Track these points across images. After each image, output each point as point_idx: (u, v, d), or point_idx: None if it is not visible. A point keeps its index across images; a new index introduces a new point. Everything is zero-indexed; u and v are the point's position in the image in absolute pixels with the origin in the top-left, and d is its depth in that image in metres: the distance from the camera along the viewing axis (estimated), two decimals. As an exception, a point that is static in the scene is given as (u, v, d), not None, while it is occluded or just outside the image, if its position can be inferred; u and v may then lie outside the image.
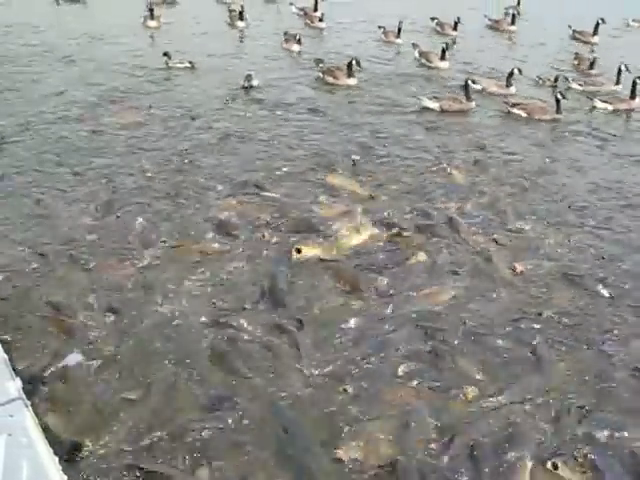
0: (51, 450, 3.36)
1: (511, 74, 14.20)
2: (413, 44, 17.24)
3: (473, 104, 13.21)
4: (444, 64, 16.12)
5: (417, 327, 6.33)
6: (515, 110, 13.04)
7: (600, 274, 7.50)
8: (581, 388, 5.69)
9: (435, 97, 13.41)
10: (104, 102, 12.25)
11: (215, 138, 10.90)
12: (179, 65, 14.87)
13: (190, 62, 14.98)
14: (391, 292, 6.93)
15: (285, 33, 17.52)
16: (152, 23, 18.66)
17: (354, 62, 14.15)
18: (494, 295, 7.00)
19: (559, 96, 12.84)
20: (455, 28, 19.51)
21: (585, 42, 19.48)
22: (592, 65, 16.27)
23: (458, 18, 19.24)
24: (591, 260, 7.83)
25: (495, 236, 8.18)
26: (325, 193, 9.08)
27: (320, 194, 9.03)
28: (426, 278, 7.20)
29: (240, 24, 19.10)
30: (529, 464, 4.81)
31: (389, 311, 6.59)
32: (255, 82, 13.73)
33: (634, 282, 7.38)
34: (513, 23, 20.29)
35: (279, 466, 4.69)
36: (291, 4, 21.57)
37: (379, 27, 18.83)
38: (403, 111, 12.96)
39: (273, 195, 8.89)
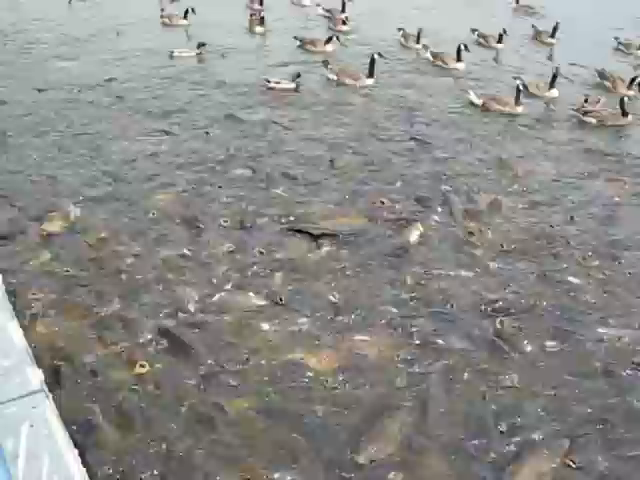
0: (71, 442, 3.40)
1: (555, 77, 14.10)
2: (424, 45, 17.23)
3: (520, 109, 13.14)
4: (460, 65, 16.06)
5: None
6: (587, 118, 12.77)
7: None
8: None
9: (482, 94, 13.50)
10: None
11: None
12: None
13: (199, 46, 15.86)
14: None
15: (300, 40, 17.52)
16: (184, 22, 18.83)
17: (376, 56, 14.08)
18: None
19: (626, 99, 12.67)
20: (500, 40, 18.43)
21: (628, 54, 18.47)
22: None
23: (504, 30, 18.25)
24: None
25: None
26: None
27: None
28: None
29: (259, 29, 18.93)
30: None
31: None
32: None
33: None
34: (553, 36, 18.85)
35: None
36: (318, 5, 21.55)
37: (398, 29, 18.74)
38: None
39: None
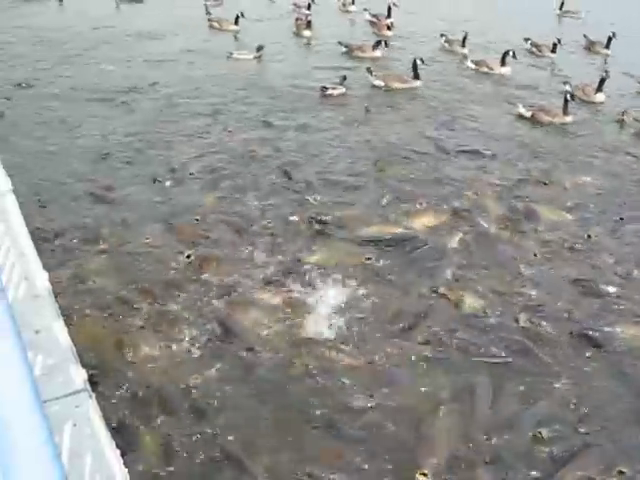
0: (113, 442, 3.41)
1: (603, 81, 14.16)
2: (464, 54, 17.12)
3: (569, 118, 12.96)
4: (506, 70, 15.91)
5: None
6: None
7: None
8: None
9: (530, 106, 13.51)
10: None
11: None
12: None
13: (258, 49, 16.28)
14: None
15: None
16: (234, 27, 19.21)
17: (418, 61, 14.06)
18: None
19: None
20: (554, 50, 18.18)
21: None
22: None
23: (559, 40, 17.98)
24: None
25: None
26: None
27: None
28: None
29: (307, 33, 18.92)
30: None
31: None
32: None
33: None
34: (608, 46, 18.48)
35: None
36: (365, 10, 21.52)
37: (441, 35, 18.61)
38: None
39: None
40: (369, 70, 14.95)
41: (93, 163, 10.48)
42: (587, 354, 6.66)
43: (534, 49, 18.51)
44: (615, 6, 23.94)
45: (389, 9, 20.55)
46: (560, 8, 24.06)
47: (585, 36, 19.23)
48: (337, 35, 18.72)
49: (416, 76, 14.40)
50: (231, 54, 16.69)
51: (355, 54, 17.29)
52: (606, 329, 6.99)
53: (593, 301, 7.52)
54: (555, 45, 18.16)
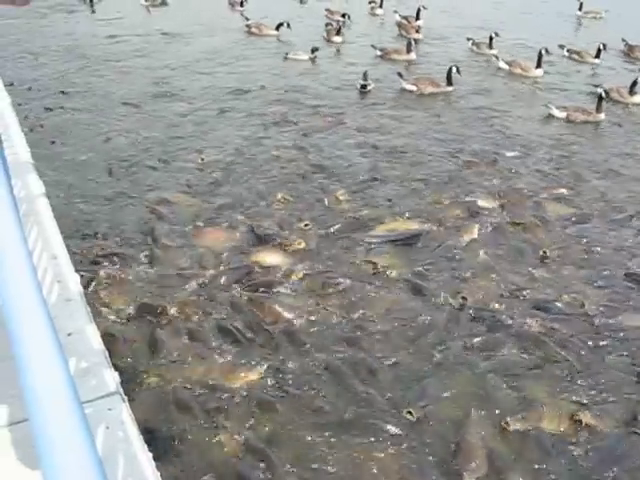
0: (145, 445, 3.39)
1: (635, 83, 14.18)
2: (495, 56, 17.03)
3: (602, 116, 12.82)
4: (539, 72, 15.83)
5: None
6: None
7: None
8: None
9: (563, 107, 13.45)
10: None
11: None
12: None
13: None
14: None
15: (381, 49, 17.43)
16: (274, 32, 19.53)
17: (454, 69, 14.05)
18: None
19: None
20: (598, 55, 17.72)
21: None
22: None
23: (604, 45, 17.58)
24: None
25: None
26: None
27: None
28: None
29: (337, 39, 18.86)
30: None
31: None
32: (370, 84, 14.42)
33: None
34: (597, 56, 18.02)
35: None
36: (395, 12, 21.55)
37: (467, 39, 18.54)
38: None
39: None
40: (400, 74, 14.82)
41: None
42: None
43: (574, 56, 17.98)
44: (632, 4, 23.91)
45: (418, 11, 20.60)
46: (580, 9, 23.93)
47: (624, 40, 18.71)
48: (367, 39, 18.73)
49: (449, 82, 14.29)
50: (287, 54, 16.82)
51: (391, 57, 17.25)
52: None
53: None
54: (599, 50, 17.61)
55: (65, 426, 1.38)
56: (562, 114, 13.28)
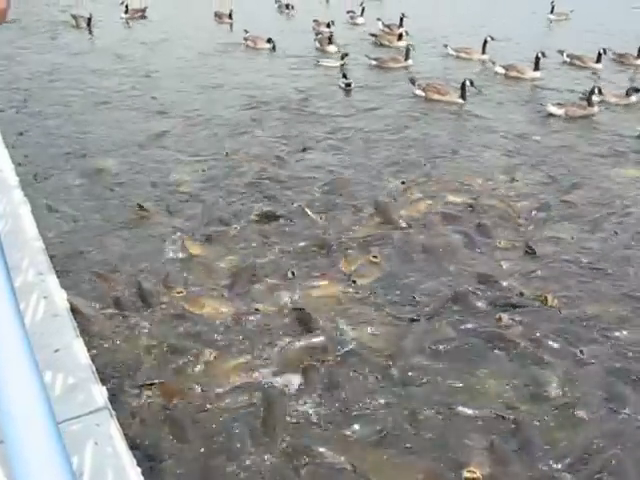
0: (134, 460, 3.38)
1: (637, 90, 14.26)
2: (490, 61, 17.10)
3: (595, 109, 13.32)
4: (538, 74, 15.89)
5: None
6: None
7: None
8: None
9: (559, 104, 13.55)
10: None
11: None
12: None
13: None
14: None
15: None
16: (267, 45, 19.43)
17: (468, 83, 13.92)
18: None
19: None
20: (599, 60, 17.46)
21: None
22: None
23: (604, 50, 17.44)
24: None
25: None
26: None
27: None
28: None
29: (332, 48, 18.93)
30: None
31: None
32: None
33: None
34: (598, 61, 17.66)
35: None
36: (379, 19, 21.62)
37: (444, 45, 18.62)
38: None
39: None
40: (412, 80, 14.87)
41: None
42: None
43: (576, 61, 17.79)
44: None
45: (401, 19, 20.66)
46: (551, 11, 24.29)
47: (610, 50, 18.27)
48: (354, 48, 18.79)
49: (462, 96, 14.09)
50: (318, 61, 17.23)
51: (387, 65, 17.22)
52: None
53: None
54: (600, 55, 17.47)
55: (40, 448, 1.38)
56: (560, 111, 13.47)
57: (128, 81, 15.38)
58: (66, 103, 13.53)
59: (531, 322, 6.57)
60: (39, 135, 11.58)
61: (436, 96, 14.14)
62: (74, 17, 21.52)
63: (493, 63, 16.98)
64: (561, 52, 18.17)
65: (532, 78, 16.04)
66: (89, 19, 21.28)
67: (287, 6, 24.69)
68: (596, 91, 13.54)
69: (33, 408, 1.45)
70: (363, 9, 23.49)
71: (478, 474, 4.77)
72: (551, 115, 13.51)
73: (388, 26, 21.17)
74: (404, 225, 8.53)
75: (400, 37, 19.74)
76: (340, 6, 25.59)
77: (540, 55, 16.01)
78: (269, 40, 19.13)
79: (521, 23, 23.26)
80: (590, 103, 13.39)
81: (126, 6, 23.07)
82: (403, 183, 9.95)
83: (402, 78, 16.09)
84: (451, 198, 9.45)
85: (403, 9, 21.51)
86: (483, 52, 18.01)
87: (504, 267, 7.68)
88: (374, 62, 17.37)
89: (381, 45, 19.81)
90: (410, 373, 5.79)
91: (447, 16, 24.27)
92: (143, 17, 23.48)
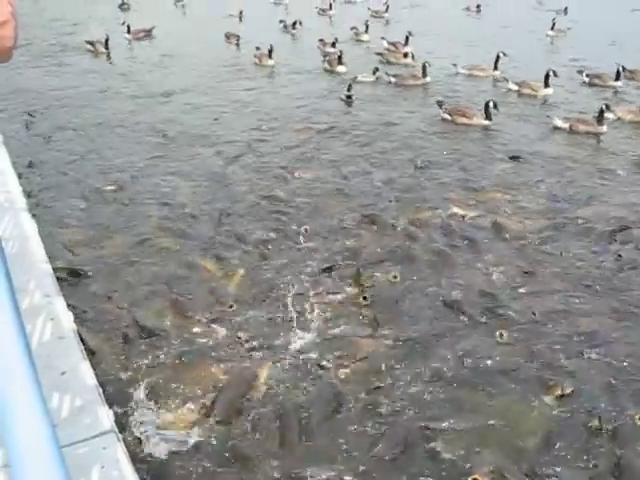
0: (140, 484, 3.36)
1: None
2: (505, 78, 17.10)
3: (604, 128, 13.22)
4: (549, 91, 15.89)
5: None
6: None
7: None
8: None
9: (566, 118, 13.61)
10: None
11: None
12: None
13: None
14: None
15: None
16: (270, 62, 19.46)
17: (491, 104, 13.86)
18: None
19: None
20: (618, 77, 17.13)
21: None
22: None
23: (623, 67, 17.18)
24: None
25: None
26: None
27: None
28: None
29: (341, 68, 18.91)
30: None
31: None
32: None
33: None
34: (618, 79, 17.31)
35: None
36: (383, 38, 21.64)
37: (453, 65, 18.65)
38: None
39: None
40: (439, 103, 14.69)
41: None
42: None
43: (595, 80, 17.29)
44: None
45: (407, 38, 20.72)
46: (552, 28, 24.33)
47: (623, 67, 17.65)
48: (364, 67, 18.89)
49: (488, 117, 13.94)
50: (355, 77, 17.25)
51: (407, 83, 17.35)
52: None
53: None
54: (619, 72, 17.21)
55: (43, 473, 1.36)
56: (566, 125, 13.52)
57: (135, 103, 15.47)
58: (76, 126, 13.59)
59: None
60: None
61: (463, 120, 13.99)
62: (90, 43, 21.06)
63: (506, 80, 16.98)
64: (580, 72, 17.82)
65: (544, 95, 16.06)
66: (106, 42, 20.87)
67: (293, 25, 24.71)
68: (604, 108, 13.41)
69: (36, 432, 1.43)
70: (367, 26, 23.48)
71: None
72: (557, 128, 13.56)
73: (393, 44, 21.19)
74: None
75: (406, 55, 19.87)
76: (342, 22, 25.71)
77: (551, 73, 15.97)
78: (270, 54, 19.43)
79: (521, 40, 23.29)
80: (600, 122, 13.28)
81: (127, 26, 23.14)
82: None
83: (420, 95, 16.54)
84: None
85: (405, 26, 21.52)
86: (495, 68, 18.05)
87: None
88: (393, 79, 17.45)
89: (388, 62, 19.87)
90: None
91: (446, 34, 24.23)
92: (149, 36, 23.50)
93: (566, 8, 27.98)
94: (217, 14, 27.55)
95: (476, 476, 4.82)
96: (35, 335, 4.10)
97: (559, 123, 13.58)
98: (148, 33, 23.59)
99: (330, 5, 29.24)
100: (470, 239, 8.73)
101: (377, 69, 17.60)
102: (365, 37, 23.14)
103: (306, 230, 8.75)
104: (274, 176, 10.89)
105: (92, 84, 17.06)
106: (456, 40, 23.03)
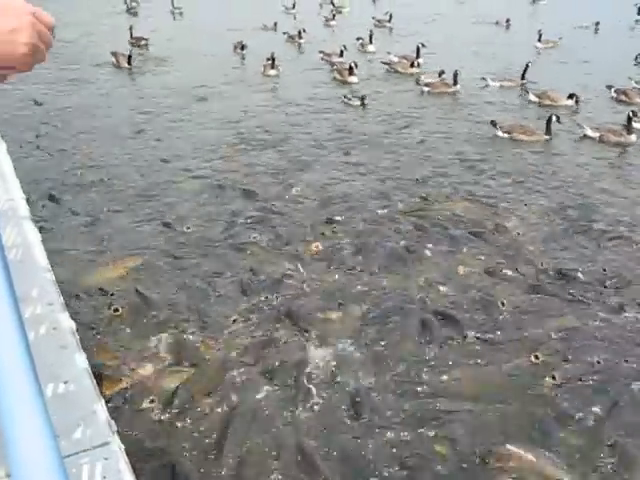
0: (143, 495, 3.32)
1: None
2: (525, 89, 17.19)
3: (634, 137, 13.25)
4: (569, 102, 15.95)
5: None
6: None
7: None
8: None
9: (596, 127, 13.73)
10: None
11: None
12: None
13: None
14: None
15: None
16: (272, 72, 19.69)
17: (554, 118, 13.86)
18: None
19: None
20: None
21: None
22: None
23: None
24: None
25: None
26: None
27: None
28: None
29: (352, 79, 19.00)
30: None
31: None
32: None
33: None
34: None
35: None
36: (389, 53, 21.71)
37: (482, 78, 18.72)
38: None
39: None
40: (493, 123, 14.53)
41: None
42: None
43: (622, 97, 17.14)
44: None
45: (418, 49, 20.89)
46: (539, 40, 24.49)
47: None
48: (371, 78, 19.05)
49: (548, 132, 13.96)
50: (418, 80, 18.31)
51: (439, 90, 17.66)
52: None
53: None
54: None
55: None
56: (596, 134, 13.62)
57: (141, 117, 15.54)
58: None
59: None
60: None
61: (522, 137, 13.96)
62: (114, 55, 21.12)
63: (527, 92, 17.07)
64: (609, 87, 17.61)
65: (565, 106, 16.08)
66: (129, 56, 20.87)
67: (299, 34, 24.83)
68: (631, 115, 13.43)
69: (38, 442, 1.41)
70: (371, 36, 23.55)
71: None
72: (586, 137, 13.77)
73: (404, 57, 21.30)
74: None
75: (412, 65, 20.06)
76: (344, 33, 25.83)
77: (574, 97, 16.18)
78: (273, 63, 19.49)
79: (514, 51, 23.48)
80: (629, 131, 13.33)
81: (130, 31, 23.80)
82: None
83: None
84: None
85: (409, 35, 21.63)
86: (522, 78, 18.33)
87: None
88: (426, 88, 17.58)
89: (395, 72, 20.04)
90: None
91: (446, 45, 24.31)
92: (145, 45, 23.55)
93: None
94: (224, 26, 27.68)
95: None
96: (37, 344, 4.07)
97: (589, 132, 13.73)
98: (144, 42, 23.56)
99: (333, 15, 29.49)
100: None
101: (443, 71, 18.09)
102: (371, 48, 23.20)
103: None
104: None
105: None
106: (464, 52, 23.08)
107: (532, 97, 16.74)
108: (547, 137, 13.85)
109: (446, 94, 17.54)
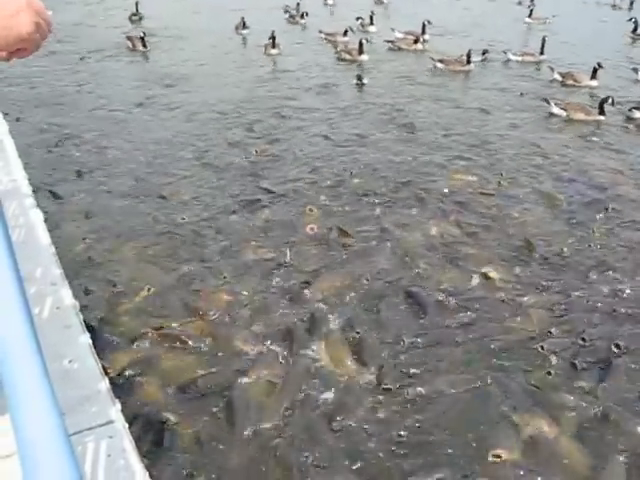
0: (147, 472, 3.35)
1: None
2: (550, 67, 17.01)
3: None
4: (594, 82, 15.80)
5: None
6: None
7: None
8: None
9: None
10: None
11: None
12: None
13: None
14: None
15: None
16: (274, 51, 19.64)
17: (610, 101, 13.71)
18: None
19: None
20: None
21: None
22: None
23: None
24: None
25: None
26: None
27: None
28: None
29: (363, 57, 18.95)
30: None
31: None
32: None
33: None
34: None
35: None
36: (393, 29, 21.62)
37: (504, 52, 18.66)
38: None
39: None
40: (546, 100, 14.46)
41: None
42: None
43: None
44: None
45: (424, 26, 20.87)
46: (529, 16, 24.51)
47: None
48: (375, 56, 18.95)
49: (601, 112, 13.75)
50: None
51: (453, 68, 17.65)
52: None
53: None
54: None
55: (51, 461, 1.36)
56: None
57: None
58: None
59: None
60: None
61: (580, 115, 13.82)
62: (129, 38, 20.44)
63: (552, 69, 16.87)
64: (636, 70, 17.25)
65: (589, 86, 15.94)
66: (142, 38, 20.11)
67: (302, 15, 24.65)
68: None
69: (45, 420, 1.43)
70: (372, 17, 23.33)
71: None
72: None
73: (410, 33, 21.22)
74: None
75: (416, 41, 20.01)
76: (342, 13, 25.70)
77: (597, 66, 15.86)
78: (273, 42, 19.47)
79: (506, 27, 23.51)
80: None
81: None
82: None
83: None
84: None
85: (403, 13, 21.52)
86: (541, 53, 18.28)
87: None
88: (440, 65, 17.80)
89: (399, 49, 20.00)
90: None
91: (443, 20, 24.13)
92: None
93: None
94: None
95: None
96: (41, 324, 4.09)
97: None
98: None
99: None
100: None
101: (486, 51, 18.27)
102: (372, 28, 23.00)
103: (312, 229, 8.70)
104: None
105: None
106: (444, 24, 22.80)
107: (556, 75, 16.58)
108: (603, 118, 13.71)
109: (461, 72, 17.49)
